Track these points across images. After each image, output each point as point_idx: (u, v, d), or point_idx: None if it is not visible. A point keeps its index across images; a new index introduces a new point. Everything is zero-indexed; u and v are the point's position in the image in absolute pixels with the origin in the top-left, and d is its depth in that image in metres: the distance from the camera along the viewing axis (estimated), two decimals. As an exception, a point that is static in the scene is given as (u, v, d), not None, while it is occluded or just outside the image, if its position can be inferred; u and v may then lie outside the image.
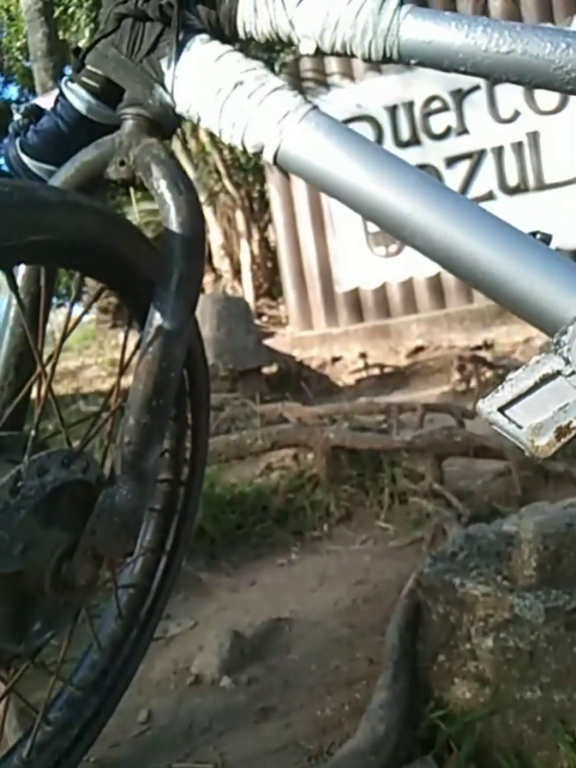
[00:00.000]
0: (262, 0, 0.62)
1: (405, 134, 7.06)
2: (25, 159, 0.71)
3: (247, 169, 8.22)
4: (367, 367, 6.25)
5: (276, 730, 0.87)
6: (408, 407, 2.83)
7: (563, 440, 0.36)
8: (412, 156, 6.88)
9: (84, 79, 0.67)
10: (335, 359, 6.88)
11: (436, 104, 6.88)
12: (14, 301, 0.64)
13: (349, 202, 0.60)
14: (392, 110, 7.07)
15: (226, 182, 7.61)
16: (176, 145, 7.63)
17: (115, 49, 0.66)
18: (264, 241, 8.97)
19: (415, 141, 6.97)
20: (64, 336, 0.62)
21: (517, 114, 6.57)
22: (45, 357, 0.62)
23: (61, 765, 0.79)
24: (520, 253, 0.52)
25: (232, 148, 8.59)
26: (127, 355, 0.70)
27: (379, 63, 0.62)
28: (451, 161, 6.86)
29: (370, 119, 7.08)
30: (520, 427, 0.38)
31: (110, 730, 0.88)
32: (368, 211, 0.58)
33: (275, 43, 0.64)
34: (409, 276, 7.02)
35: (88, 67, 0.67)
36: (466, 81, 6.82)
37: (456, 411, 2.77)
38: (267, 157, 0.62)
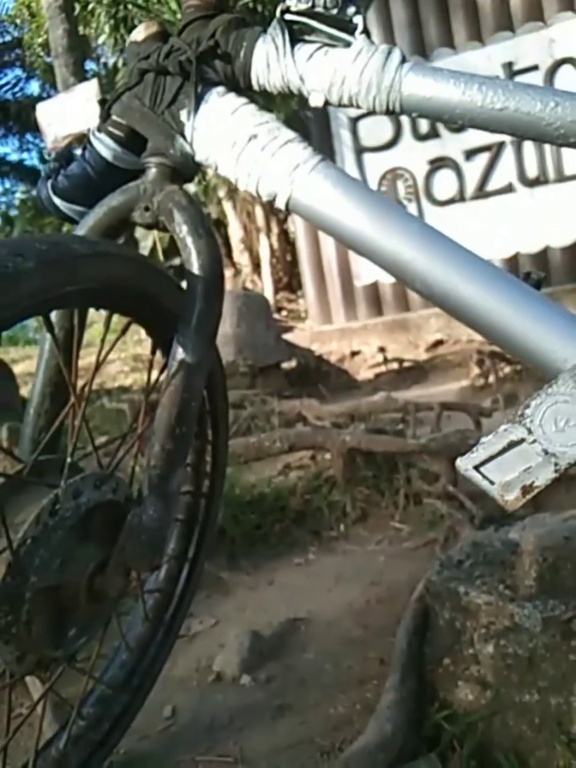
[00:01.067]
0: (274, 56, 0.67)
1: (424, 127, 7.03)
2: (57, 200, 0.77)
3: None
4: (386, 361, 6.26)
5: (291, 727, 0.93)
6: (425, 406, 2.87)
7: (528, 496, 0.41)
8: (431, 148, 6.87)
9: (110, 128, 0.73)
10: (354, 353, 6.89)
11: (455, 96, 6.83)
12: (49, 337, 0.70)
13: (355, 247, 0.65)
14: (411, 103, 7.02)
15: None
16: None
17: (138, 102, 0.71)
18: (283, 235, 9.01)
19: (434, 134, 6.93)
20: (96, 369, 0.68)
21: (537, 105, 6.51)
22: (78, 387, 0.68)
23: (94, 756, 0.86)
24: (514, 302, 0.56)
25: None
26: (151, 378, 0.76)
27: (383, 114, 0.66)
28: (470, 154, 6.83)
29: (388, 112, 7.05)
30: (492, 483, 0.43)
31: (138, 725, 0.94)
32: (372, 256, 0.63)
33: (287, 95, 0.69)
34: (429, 269, 6.96)
35: (114, 117, 0.73)
36: (485, 72, 6.76)
37: (473, 410, 2.81)
38: (280, 204, 0.67)
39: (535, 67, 6.57)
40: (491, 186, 6.71)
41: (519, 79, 6.62)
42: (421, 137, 6.97)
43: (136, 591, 0.95)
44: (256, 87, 0.69)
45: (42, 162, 12.75)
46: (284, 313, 7.72)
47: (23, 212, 12.72)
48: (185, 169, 0.71)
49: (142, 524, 0.70)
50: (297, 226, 7.46)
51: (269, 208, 9.05)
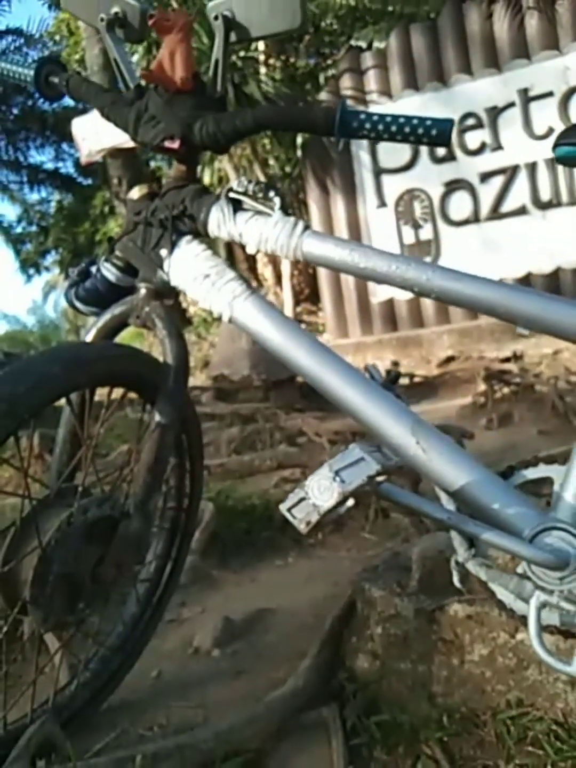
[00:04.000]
0: (223, 219, 0.99)
1: (441, 151, 7.28)
2: (77, 303, 1.10)
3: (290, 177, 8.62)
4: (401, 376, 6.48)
5: (243, 686, 1.25)
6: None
7: (310, 528, 0.72)
8: (447, 171, 7.14)
9: (113, 260, 1.06)
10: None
11: (471, 121, 7.09)
12: (66, 404, 1.03)
13: (274, 354, 0.97)
14: (428, 127, 7.25)
15: (269, 195, 7.99)
16: (224, 158, 8.06)
17: (132, 243, 1.04)
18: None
19: (450, 157, 7.19)
20: (100, 426, 1.01)
21: (551, 131, 6.73)
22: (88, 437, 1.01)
23: (96, 699, 1.19)
24: (367, 399, 0.87)
25: (275, 160, 8.83)
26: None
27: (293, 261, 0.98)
28: (485, 176, 7.07)
29: (406, 136, 7.30)
30: (295, 518, 0.74)
31: (131, 681, 1.27)
32: (279, 358, 0.95)
33: (234, 243, 1.01)
34: (443, 287, 7.17)
35: (117, 253, 1.06)
36: (501, 98, 7.04)
37: (456, 431, 3.09)
38: (224, 320, 0.99)
39: (550, 94, 6.80)
40: (505, 208, 6.96)
41: (535, 104, 6.86)
42: (437, 160, 7.24)
43: (131, 581, 1.27)
44: (213, 236, 1.02)
45: (77, 171, 13.27)
46: (303, 325, 8.02)
47: (57, 220, 13.24)
48: (164, 291, 1.03)
49: (129, 532, 1.02)
50: (316, 244, 7.77)
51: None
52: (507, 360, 6.34)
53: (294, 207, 8.97)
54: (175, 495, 1.29)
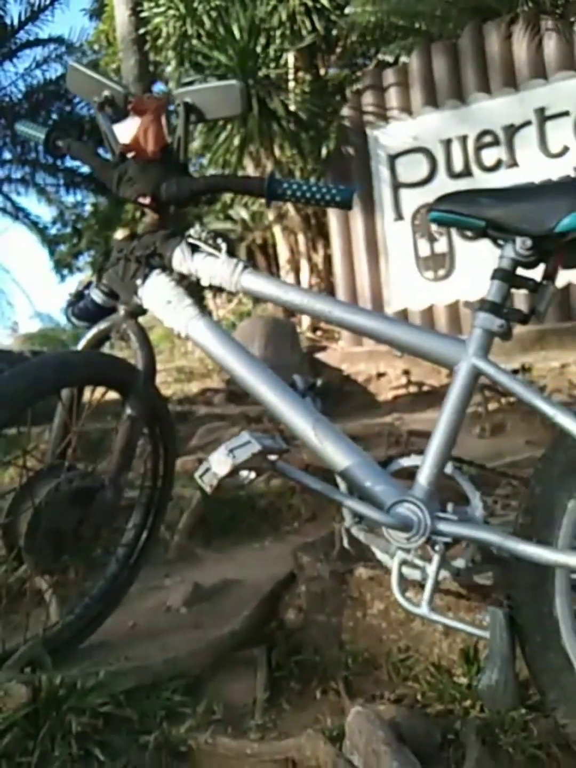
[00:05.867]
0: (183, 258, 1.27)
1: (458, 166, 7.48)
2: (73, 319, 1.40)
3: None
4: (409, 384, 6.70)
5: (199, 634, 1.53)
6: (398, 431, 3.41)
7: (213, 489, 0.99)
8: (463, 187, 7.32)
9: (101, 286, 1.35)
10: (380, 375, 7.30)
11: (488, 138, 7.28)
12: (60, 403, 1.33)
13: (218, 364, 1.24)
14: (447, 143, 7.48)
15: (290, 206, 8.28)
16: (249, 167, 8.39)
17: (116, 274, 1.33)
18: (328, 258, 9.60)
19: (467, 173, 7.39)
20: (81, 423, 1.30)
21: (566, 149, 6.90)
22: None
23: (77, 637, 1.48)
24: (285, 403, 1.14)
25: (291, 175, 9.06)
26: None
27: (237, 294, 1.26)
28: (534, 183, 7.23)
29: (425, 151, 7.54)
30: (204, 482, 1.01)
31: (110, 628, 1.56)
32: (227, 372, 1.23)
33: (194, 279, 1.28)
34: (456, 299, 7.40)
35: (103, 281, 1.35)
36: (517, 117, 7.23)
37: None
38: (182, 336, 1.27)
39: (566, 113, 6.97)
40: (519, 224, 7.13)
41: (551, 123, 7.03)
42: (455, 175, 7.44)
43: (112, 544, 1.56)
44: (176, 270, 1.30)
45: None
46: (319, 333, 8.28)
47: (91, 223, 13.68)
48: (138, 312, 1.32)
49: (104, 500, 1.31)
50: (334, 255, 8.05)
51: (316, 231, 9.70)
52: (515, 372, 6.49)
53: (315, 217, 9.26)
54: (151, 476, 1.58)
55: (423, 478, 1.07)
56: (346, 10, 8.67)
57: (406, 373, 7.01)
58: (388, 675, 1.29)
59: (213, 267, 1.24)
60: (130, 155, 1.27)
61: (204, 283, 1.26)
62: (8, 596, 1.42)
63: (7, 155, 13.21)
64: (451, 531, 1.03)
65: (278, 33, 8.51)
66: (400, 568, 1.08)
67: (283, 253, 9.66)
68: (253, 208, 9.46)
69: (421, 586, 1.09)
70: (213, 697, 1.26)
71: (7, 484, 2.65)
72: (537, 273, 1.08)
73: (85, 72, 1.30)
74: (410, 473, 1.15)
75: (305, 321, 8.24)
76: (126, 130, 1.28)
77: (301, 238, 8.43)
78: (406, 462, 1.14)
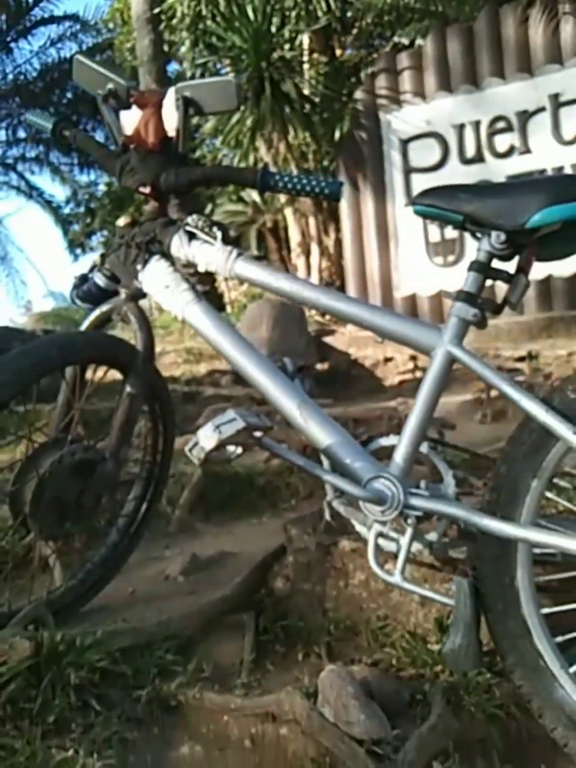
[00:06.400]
0: (181, 245, 1.34)
1: (470, 152, 7.47)
2: (77, 301, 1.47)
3: (318, 172, 8.91)
4: (415, 369, 6.74)
5: (194, 600, 1.62)
6: (398, 415, 3.48)
7: (202, 461, 1.07)
8: (475, 173, 7.32)
9: (103, 270, 1.42)
10: (387, 359, 7.33)
11: (501, 124, 7.26)
12: (64, 381, 1.41)
13: (211, 346, 1.32)
14: (459, 129, 7.45)
15: (302, 191, 8.29)
16: (264, 153, 8.40)
17: (117, 259, 1.40)
18: (339, 242, 9.62)
19: (479, 158, 7.38)
20: (83, 400, 1.38)
21: (579, 136, 6.86)
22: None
23: (81, 599, 1.58)
24: (278, 386, 1.22)
25: (304, 158, 9.06)
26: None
27: (232, 280, 1.33)
28: (513, 178, 7.21)
29: (437, 136, 7.53)
30: (192, 454, 1.09)
31: (110, 594, 1.65)
32: (220, 354, 1.30)
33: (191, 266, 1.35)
34: (465, 285, 7.37)
35: (106, 265, 1.42)
36: (531, 103, 7.19)
37: (436, 422, 3.39)
38: (179, 319, 1.34)
39: (581, 99, 6.92)
40: (530, 210, 7.12)
41: (565, 110, 6.99)
42: (467, 161, 7.43)
43: (113, 515, 1.65)
44: (174, 256, 1.37)
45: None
46: (328, 316, 8.31)
47: (104, 203, 13.73)
48: (138, 295, 1.39)
49: (105, 472, 1.40)
50: (344, 240, 8.07)
51: (327, 215, 9.71)
52: (521, 359, 6.51)
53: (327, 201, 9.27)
54: (151, 451, 1.66)
55: (398, 456, 1.14)
56: (362, -9, 8.59)
57: (413, 358, 7.05)
58: (367, 641, 1.38)
59: (209, 254, 1.31)
60: (131, 146, 1.33)
61: (200, 269, 1.34)
62: (14, 561, 1.51)
63: (22, 134, 13.23)
64: (422, 506, 1.10)
65: (293, 14, 8.46)
66: (376, 539, 1.15)
67: (294, 236, 9.69)
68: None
69: (396, 556, 1.17)
70: (203, 657, 1.35)
71: (17, 458, 2.76)
72: (511, 265, 1.14)
73: (90, 65, 1.36)
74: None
75: (314, 304, 8.27)
76: (129, 122, 1.35)
77: (312, 221, 8.45)
78: (384, 441, 1.21)
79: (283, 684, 1.27)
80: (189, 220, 1.33)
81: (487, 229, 1.09)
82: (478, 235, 1.12)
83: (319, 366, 6.25)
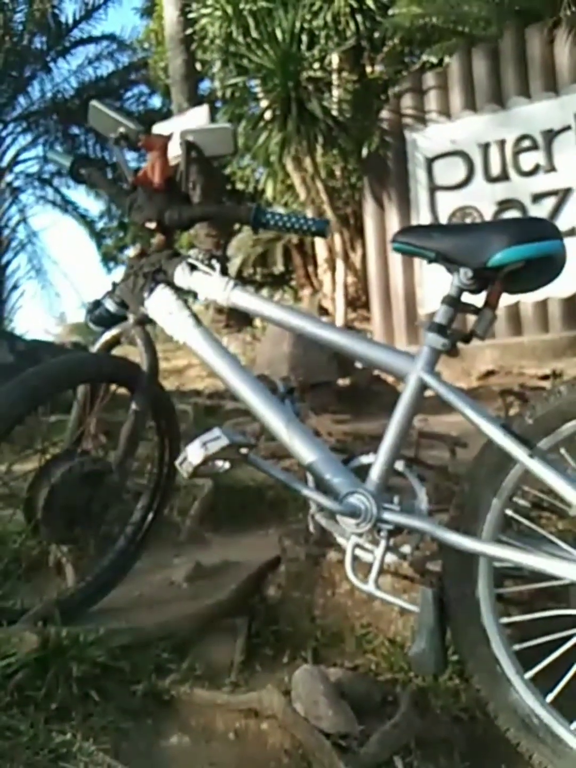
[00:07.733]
0: (184, 275, 1.46)
1: (495, 170, 7.52)
2: (91, 324, 1.61)
3: (344, 190, 9.07)
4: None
5: (194, 605, 1.73)
6: (417, 431, 3.55)
7: (192, 475, 1.18)
8: (500, 191, 7.38)
9: (114, 297, 1.55)
10: (408, 376, 7.29)
11: (526, 143, 7.30)
12: (76, 398, 1.54)
13: (208, 368, 1.43)
14: (485, 147, 7.51)
15: (327, 208, 8.43)
16: (293, 172, 8.56)
17: (126, 287, 1.53)
18: (365, 258, 9.73)
19: (504, 177, 7.43)
20: (92, 416, 1.51)
21: (605, 155, 6.87)
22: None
23: (89, 600, 1.69)
24: (266, 405, 1.33)
25: (332, 176, 9.25)
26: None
27: (229, 308, 1.44)
28: (537, 197, 7.26)
29: (463, 155, 7.59)
30: (183, 467, 1.20)
31: (118, 597, 1.77)
32: (216, 375, 1.41)
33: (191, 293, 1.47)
34: (488, 302, 7.39)
35: (116, 292, 1.55)
36: (557, 122, 7.22)
37: (449, 440, 3.46)
38: (181, 343, 1.46)
39: (606, 119, 6.93)
40: (555, 228, 7.13)
41: (591, 129, 7.00)
42: (491, 179, 7.49)
43: (122, 525, 1.77)
44: (178, 286, 1.49)
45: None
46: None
47: (138, 220, 14.00)
48: (144, 320, 1.52)
49: (112, 483, 1.52)
50: (369, 256, 8.17)
51: (353, 232, 9.84)
52: (545, 377, 6.50)
53: (354, 217, 9.42)
54: (158, 463, 1.78)
55: (374, 473, 1.24)
56: (390, 11, 8.72)
57: (437, 374, 7.06)
58: (351, 647, 1.47)
59: (208, 284, 1.43)
60: (139, 186, 1.46)
61: (200, 298, 1.46)
62: (29, 564, 1.64)
63: (59, 149, 13.65)
64: (394, 520, 1.19)
65: (322, 34, 8.63)
66: (353, 550, 1.25)
67: (321, 253, 9.83)
68: (293, 207, 9.62)
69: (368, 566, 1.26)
70: (196, 657, 1.46)
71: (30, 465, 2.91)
72: (480, 299, 1.23)
73: (104, 110, 1.50)
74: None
75: (338, 320, 8.38)
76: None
77: (338, 237, 8.58)
78: (364, 459, 1.31)
79: (268, 685, 1.37)
80: (191, 253, 1.45)
81: (456, 266, 1.18)
82: (450, 271, 1.22)
83: (340, 381, 6.32)
